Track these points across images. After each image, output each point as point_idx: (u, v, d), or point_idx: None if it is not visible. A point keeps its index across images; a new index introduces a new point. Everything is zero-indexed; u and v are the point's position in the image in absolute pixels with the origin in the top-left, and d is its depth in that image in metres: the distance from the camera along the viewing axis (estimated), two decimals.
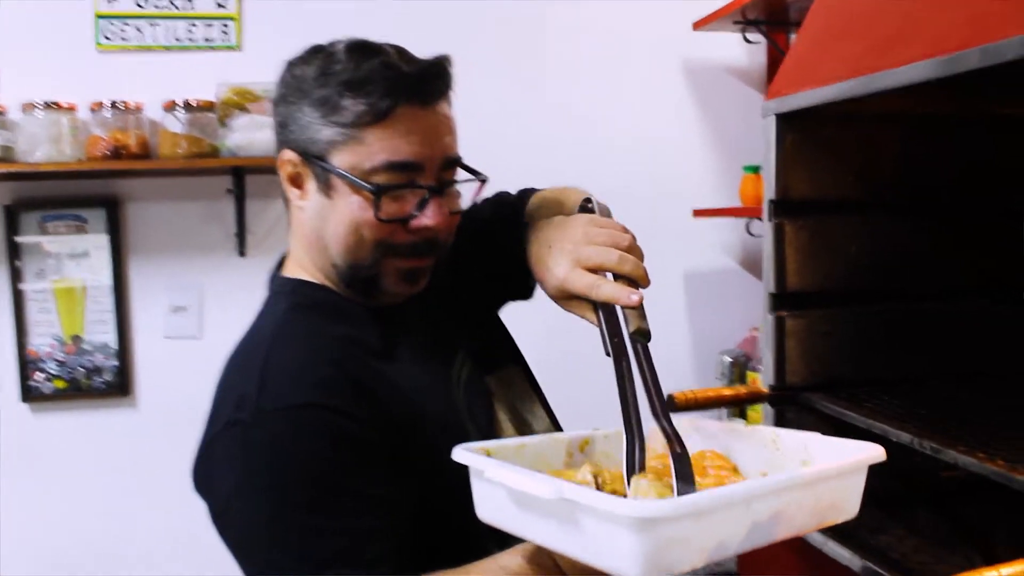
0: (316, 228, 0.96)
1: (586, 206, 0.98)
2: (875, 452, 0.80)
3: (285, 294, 1.00)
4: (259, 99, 2.26)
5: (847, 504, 0.79)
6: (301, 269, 1.01)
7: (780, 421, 1.38)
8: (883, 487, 0.91)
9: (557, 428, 1.09)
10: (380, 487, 0.87)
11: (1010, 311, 1.49)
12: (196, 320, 2.42)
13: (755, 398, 1.36)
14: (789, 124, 1.36)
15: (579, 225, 0.93)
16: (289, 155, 0.95)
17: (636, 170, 2.56)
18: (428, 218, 0.93)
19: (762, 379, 1.43)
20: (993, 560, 1.32)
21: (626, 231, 0.93)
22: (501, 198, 1.20)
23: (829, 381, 1.39)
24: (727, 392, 1.35)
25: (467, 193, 1.02)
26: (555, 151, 2.47)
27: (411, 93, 0.91)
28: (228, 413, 0.89)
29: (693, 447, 0.86)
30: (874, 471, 0.81)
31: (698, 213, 2.51)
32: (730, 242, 2.67)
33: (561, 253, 0.91)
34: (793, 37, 2.51)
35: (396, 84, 0.90)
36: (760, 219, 2.47)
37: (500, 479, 0.71)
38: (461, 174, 0.99)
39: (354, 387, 0.90)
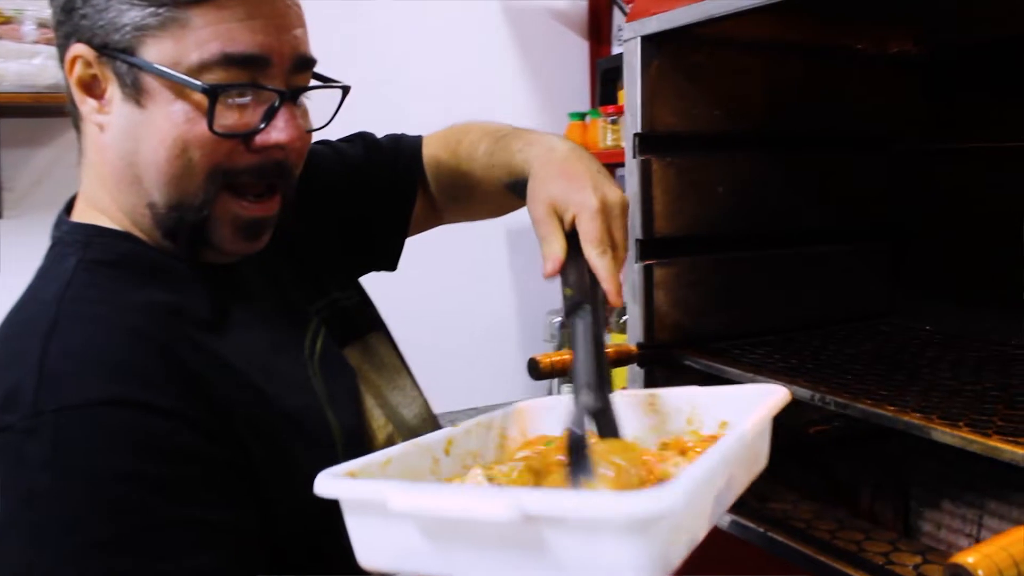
0: (123, 152, 0.69)
1: None
2: (782, 394, 0.70)
3: (74, 246, 0.71)
4: (9, 20, 1.84)
5: (764, 453, 0.69)
6: (98, 212, 0.73)
7: (649, 383, 1.24)
8: None
9: (429, 411, 0.87)
10: (215, 512, 0.63)
11: (868, 254, 1.44)
12: None
13: (625, 359, 1.21)
14: (655, 48, 1.21)
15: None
16: (79, 49, 0.68)
17: (456, 117, 2.33)
18: (279, 131, 0.70)
19: (629, 336, 1.28)
20: (861, 514, 1.28)
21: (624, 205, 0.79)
22: (371, 139, 1.00)
23: (698, 336, 1.27)
24: None
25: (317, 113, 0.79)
26: (371, 96, 2.18)
27: None
28: None
29: (561, 427, 0.71)
30: None
31: None
32: None
33: (587, 174, 0.76)
34: None
35: None
36: None
37: (419, 507, 0.49)
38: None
39: (175, 373, 0.65)
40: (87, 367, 0.62)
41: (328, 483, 0.54)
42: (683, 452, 0.66)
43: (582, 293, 0.72)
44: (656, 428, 0.76)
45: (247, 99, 0.68)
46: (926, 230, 1.44)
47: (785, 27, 1.29)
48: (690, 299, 1.27)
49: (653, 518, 0.44)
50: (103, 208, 0.73)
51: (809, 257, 1.39)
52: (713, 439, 0.71)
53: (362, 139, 1.01)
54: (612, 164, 2.37)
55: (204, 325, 0.70)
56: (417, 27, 2.34)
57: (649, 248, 1.22)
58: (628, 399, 0.77)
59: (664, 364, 1.23)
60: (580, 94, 2.51)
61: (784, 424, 0.87)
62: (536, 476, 0.60)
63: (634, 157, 1.22)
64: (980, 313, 1.34)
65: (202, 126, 0.67)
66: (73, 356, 0.63)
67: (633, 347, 1.22)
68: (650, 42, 1.20)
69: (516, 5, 2.41)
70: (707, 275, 1.28)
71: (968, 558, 0.58)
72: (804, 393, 1.00)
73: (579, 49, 2.52)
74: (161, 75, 0.66)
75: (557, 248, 0.73)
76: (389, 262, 1.03)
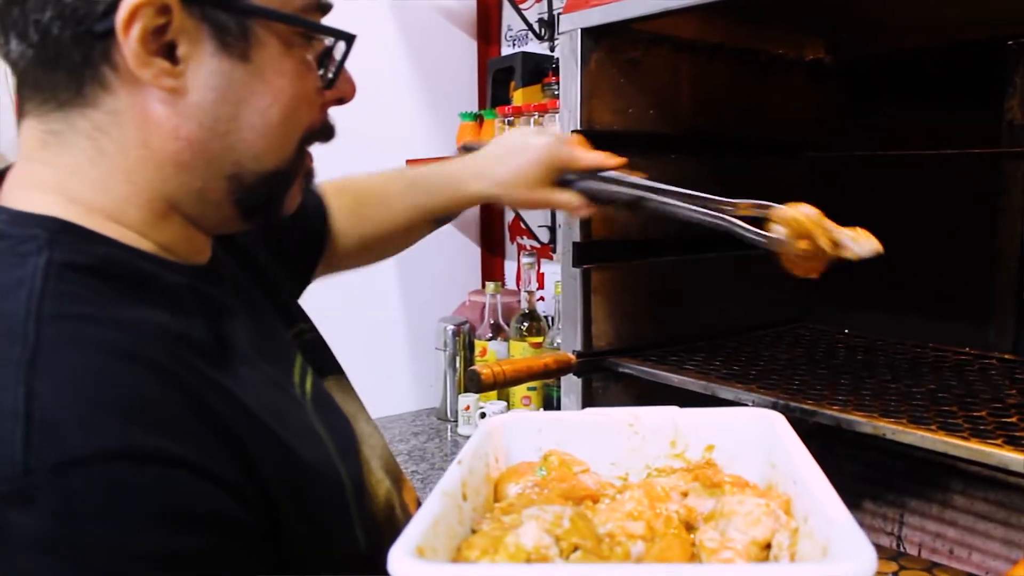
0: (215, 118, 0.57)
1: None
2: (780, 420, 0.66)
3: (30, 242, 0.54)
4: None
5: None
6: (68, 203, 0.56)
7: (587, 393, 1.18)
8: None
9: (388, 452, 0.78)
10: None
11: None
12: None
13: (564, 368, 1.14)
14: (593, 42, 1.15)
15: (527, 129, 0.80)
16: None
17: (340, 114, 2.21)
18: (350, 83, 0.65)
19: (562, 345, 1.21)
20: None
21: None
22: None
23: (634, 344, 1.22)
24: (536, 364, 1.11)
25: None
26: None
27: None
28: None
29: (543, 443, 0.69)
30: None
31: (413, 164, 2.24)
32: None
33: (537, 135, 0.90)
34: None
35: None
36: None
37: None
38: None
39: (200, 417, 0.50)
40: (93, 408, 0.47)
41: (425, 570, 0.44)
42: (713, 486, 0.60)
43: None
44: (637, 451, 0.70)
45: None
46: None
47: (713, 28, 1.28)
48: (626, 305, 1.23)
49: None
50: (70, 196, 0.57)
51: (733, 262, 1.38)
52: (707, 466, 0.66)
53: None
54: None
55: (208, 354, 0.56)
56: None
57: (587, 252, 1.17)
58: (606, 419, 0.71)
59: (603, 373, 1.18)
60: (469, 94, 2.44)
61: None
62: (585, 520, 0.52)
63: None
64: (887, 317, 1.38)
65: (311, 80, 0.59)
66: (71, 394, 0.47)
67: (571, 356, 1.16)
68: (589, 36, 1.15)
69: (403, 4, 2.31)
70: (642, 280, 1.24)
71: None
72: (766, 401, 0.97)
73: (468, 49, 2.44)
74: (282, 20, 0.56)
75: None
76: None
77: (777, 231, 0.84)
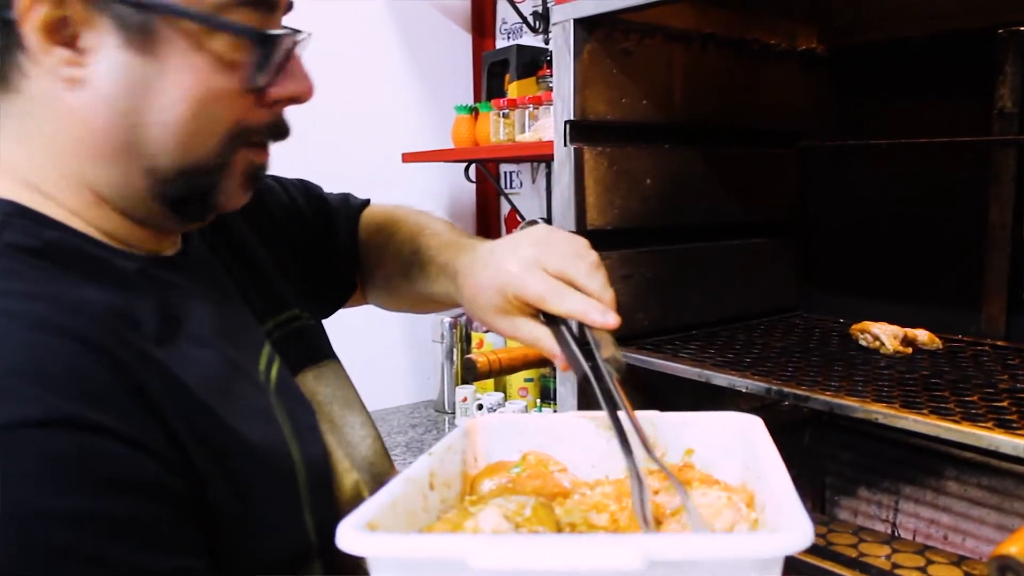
0: (117, 111, 0.56)
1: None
2: (758, 424, 0.65)
3: None
4: None
5: None
6: (24, 188, 0.58)
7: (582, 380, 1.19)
8: None
9: (383, 450, 0.78)
10: (183, 560, 0.51)
11: (779, 249, 1.46)
12: None
13: None
14: (586, 33, 1.16)
15: (540, 229, 0.74)
16: None
17: (337, 109, 2.21)
18: (299, 80, 0.63)
19: None
20: None
21: (591, 247, 0.74)
22: (311, 189, 0.95)
23: (630, 333, 1.23)
24: (532, 353, 1.12)
25: None
26: None
27: None
28: None
29: (524, 445, 0.68)
30: None
31: (408, 157, 2.25)
32: (439, 190, 2.45)
33: (514, 252, 0.70)
34: None
35: None
36: (473, 162, 2.31)
37: (526, 565, 0.41)
38: None
39: (128, 389, 0.52)
40: (19, 378, 0.48)
41: (372, 540, 0.45)
42: (683, 484, 0.61)
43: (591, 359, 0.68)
44: (617, 453, 0.68)
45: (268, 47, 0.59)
46: (831, 226, 1.48)
47: (705, 18, 1.29)
48: (621, 295, 1.23)
49: (788, 554, 0.41)
50: (26, 181, 0.58)
51: (727, 251, 1.39)
52: (686, 468, 0.66)
53: (310, 195, 0.94)
54: (504, 159, 2.32)
55: (152, 335, 0.57)
56: (298, 20, 2.19)
57: None
58: (588, 423, 0.71)
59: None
60: (464, 87, 2.44)
61: None
62: (547, 510, 0.52)
63: (565, 145, 1.16)
64: (881, 305, 1.39)
65: (228, 78, 0.57)
66: (2, 364, 0.49)
67: None
68: (582, 26, 1.15)
69: None
70: (636, 269, 1.25)
71: (1011, 548, 0.56)
72: (759, 387, 0.98)
73: (462, 42, 2.45)
74: (190, 17, 0.55)
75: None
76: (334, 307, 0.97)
77: None
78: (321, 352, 0.79)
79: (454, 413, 2.22)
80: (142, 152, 0.58)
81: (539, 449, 0.69)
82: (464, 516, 0.53)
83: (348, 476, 0.70)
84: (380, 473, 0.76)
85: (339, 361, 0.82)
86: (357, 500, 0.69)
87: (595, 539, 0.49)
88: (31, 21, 0.54)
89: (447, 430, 2.16)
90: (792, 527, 0.43)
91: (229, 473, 0.56)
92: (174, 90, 0.56)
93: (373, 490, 0.72)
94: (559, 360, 0.70)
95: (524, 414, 0.72)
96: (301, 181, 0.95)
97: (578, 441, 0.69)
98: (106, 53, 0.55)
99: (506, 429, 0.70)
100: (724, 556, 0.41)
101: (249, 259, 0.76)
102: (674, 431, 0.69)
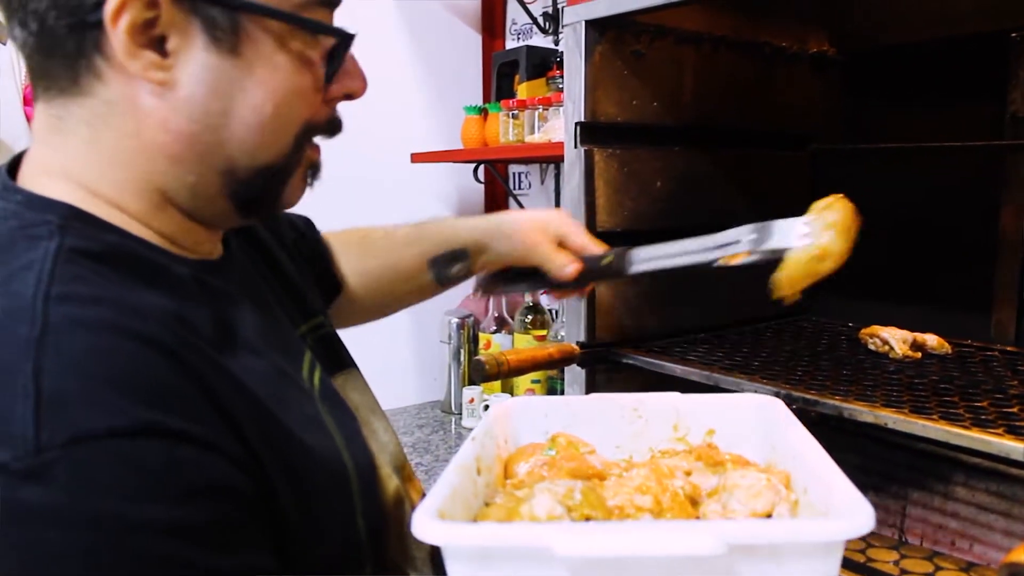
0: (204, 112, 0.57)
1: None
2: (780, 405, 0.69)
3: (42, 226, 0.55)
4: None
5: None
6: (76, 188, 0.58)
7: (590, 383, 1.19)
8: None
9: (402, 455, 0.79)
10: (263, 560, 0.52)
11: None
12: None
13: (568, 359, 1.15)
14: (597, 34, 1.16)
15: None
16: None
17: (346, 109, 2.21)
18: (358, 78, 0.65)
19: (566, 336, 1.22)
20: None
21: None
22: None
23: (638, 335, 1.23)
24: (540, 354, 1.12)
25: None
26: None
27: None
28: None
29: (549, 427, 0.72)
30: None
31: (417, 158, 2.25)
32: (447, 191, 2.45)
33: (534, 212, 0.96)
34: None
35: None
36: (482, 162, 2.30)
37: (607, 549, 0.45)
38: None
39: (202, 394, 0.51)
40: (99, 386, 0.48)
41: (454, 530, 0.47)
42: (715, 464, 0.61)
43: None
44: (640, 434, 0.73)
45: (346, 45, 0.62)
46: None
47: (717, 20, 1.29)
48: (630, 297, 1.23)
49: (851, 538, 0.45)
50: (82, 184, 0.58)
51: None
52: (709, 448, 0.67)
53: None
54: (513, 160, 2.32)
55: (211, 342, 0.56)
56: None
57: None
58: (611, 404, 0.74)
59: (606, 363, 1.18)
60: (473, 88, 2.45)
61: None
62: (595, 493, 0.53)
63: (576, 147, 1.17)
64: (890, 310, 1.38)
65: (305, 76, 0.59)
66: (78, 372, 0.48)
67: (575, 347, 1.16)
68: (593, 28, 1.15)
69: None
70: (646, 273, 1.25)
71: (1022, 556, 0.56)
72: (768, 391, 0.98)
73: (472, 43, 2.45)
74: (278, 17, 0.56)
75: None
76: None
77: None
78: (346, 359, 0.80)
79: (461, 414, 2.22)
80: (222, 153, 0.58)
81: (565, 431, 0.71)
82: (513, 500, 0.55)
83: (390, 481, 0.71)
84: (405, 475, 0.77)
85: (357, 367, 0.82)
86: (398, 504, 0.71)
87: (673, 525, 0.52)
88: (120, 24, 0.53)
89: (454, 431, 2.17)
90: (855, 511, 0.46)
91: (294, 478, 0.57)
92: (258, 90, 0.57)
93: (407, 491, 0.73)
94: (573, 268, 0.94)
95: (547, 397, 0.75)
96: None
97: (601, 423, 0.72)
98: (193, 55, 0.55)
99: (532, 412, 0.73)
100: (798, 540, 0.45)
101: (275, 262, 0.77)
102: (696, 412, 0.72)
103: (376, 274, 1.00)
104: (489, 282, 1.01)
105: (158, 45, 0.55)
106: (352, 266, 0.98)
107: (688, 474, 0.61)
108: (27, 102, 1.95)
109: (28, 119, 1.94)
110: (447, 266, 0.98)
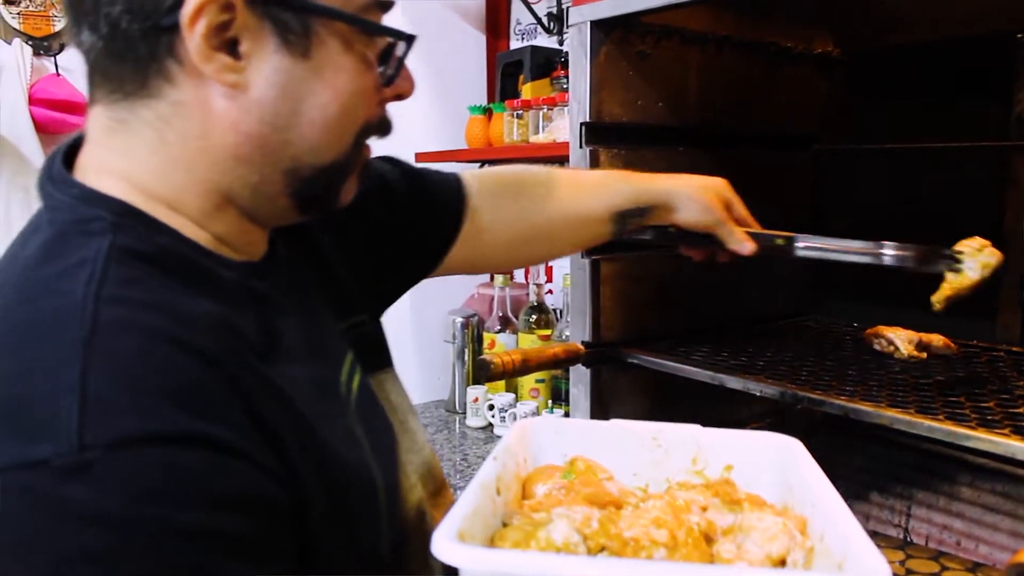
0: (275, 113, 0.58)
1: None
2: (798, 446, 0.68)
3: (96, 223, 0.55)
4: None
5: None
6: (132, 188, 0.58)
7: (596, 383, 1.19)
8: None
9: (434, 462, 0.79)
10: (286, 570, 0.52)
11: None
12: None
13: (573, 358, 1.15)
14: (603, 35, 1.16)
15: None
16: None
17: None
18: (410, 80, 0.66)
19: (571, 335, 1.22)
20: None
21: None
22: (409, 169, 0.94)
23: (642, 334, 1.23)
24: (545, 353, 1.12)
25: None
26: None
27: None
28: (13, 450, 0.46)
29: (568, 449, 0.71)
30: None
31: (421, 157, 2.25)
32: None
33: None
34: None
35: None
36: (487, 162, 2.31)
37: None
38: None
39: (245, 407, 0.52)
40: (145, 391, 0.48)
41: (475, 554, 0.48)
42: (732, 503, 0.61)
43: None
44: (659, 463, 0.73)
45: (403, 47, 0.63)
46: (844, 230, 1.47)
47: (722, 21, 1.29)
48: (635, 296, 1.23)
49: None
50: (137, 184, 0.58)
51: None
52: (726, 484, 0.67)
53: (398, 166, 0.93)
54: (517, 160, 2.32)
55: (256, 350, 0.57)
56: None
57: None
58: (631, 431, 0.74)
59: (611, 363, 1.18)
60: (478, 88, 2.45)
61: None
62: (612, 523, 0.54)
63: (581, 147, 1.17)
64: (895, 310, 1.38)
65: (367, 77, 0.60)
66: (125, 376, 0.48)
67: (580, 346, 1.17)
68: (599, 28, 1.15)
69: None
70: (650, 272, 1.25)
71: None
72: (773, 391, 0.98)
73: (476, 43, 2.45)
74: (345, 19, 0.58)
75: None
76: (395, 296, 0.94)
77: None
78: (385, 358, 0.80)
79: (465, 413, 2.22)
80: (288, 153, 0.59)
81: (584, 454, 0.71)
82: (531, 524, 0.55)
83: (413, 493, 0.71)
84: (436, 486, 0.78)
85: (394, 368, 0.83)
86: (420, 517, 0.71)
87: (690, 569, 0.51)
88: (197, 28, 0.54)
89: (457, 430, 2.17)
90: (874, 569, 0.45)
91: (329, 493, 0.57)
92: (326, 91, 0.58)
93: (430, 501, 0.74)
94: (751, 246, 1.03)
95: (563, 418, 0.76)
96: (391, 159, 0.94)
97: (618, 449, 0.72)
98: (265, 57, 0.56)
99: (550, 432, 0.73)
100: None
101: (321, 256, 0.76)
102: (715, 446, 0.71)
103: (556, 218, 0.99)
104: (659, 235, 1.05)
105: (231, 48, 0.55)
106: (494, 207, 0.97)
107: (704, 509, 0.61)
108: (32, 102, 1.96)
109: (33, 118, 1.95)
110: (632, 220, 1.02)
